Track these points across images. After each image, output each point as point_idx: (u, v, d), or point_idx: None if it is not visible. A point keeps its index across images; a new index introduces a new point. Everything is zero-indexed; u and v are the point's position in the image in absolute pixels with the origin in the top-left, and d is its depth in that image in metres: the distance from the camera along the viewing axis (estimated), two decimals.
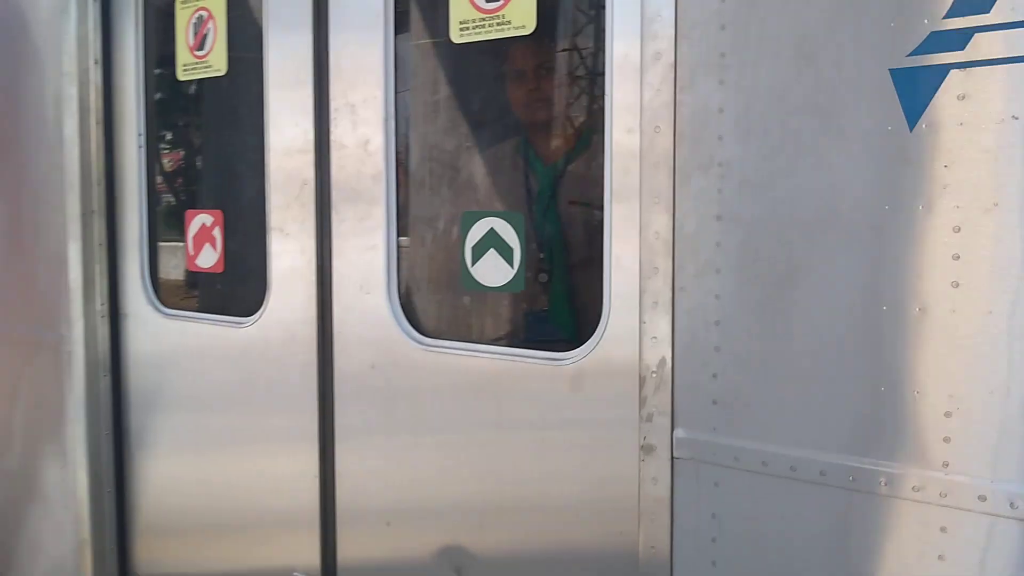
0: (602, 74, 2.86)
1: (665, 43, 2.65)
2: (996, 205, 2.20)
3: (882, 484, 2.40)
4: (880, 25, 2.32)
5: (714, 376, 2.63)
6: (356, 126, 3.45)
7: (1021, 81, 2.15)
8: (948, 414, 2.30)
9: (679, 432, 2.71)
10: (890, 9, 2.31)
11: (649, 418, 2.75)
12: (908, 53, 2.29)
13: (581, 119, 3.32)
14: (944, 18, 2.23)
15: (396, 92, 3.37)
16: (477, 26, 3.15)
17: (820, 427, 2.48)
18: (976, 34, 2.19)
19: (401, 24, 3.35)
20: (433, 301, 3.57)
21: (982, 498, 2.27)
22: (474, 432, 3.24)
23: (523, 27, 3.06)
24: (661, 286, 2.70)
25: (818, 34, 2.42)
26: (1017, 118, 2.16)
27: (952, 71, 2.23)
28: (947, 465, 2.31)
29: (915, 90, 2.28)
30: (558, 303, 3.21)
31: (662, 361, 2.71)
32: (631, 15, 2.73)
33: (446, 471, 3.32)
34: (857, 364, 2.42)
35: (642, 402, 2.76)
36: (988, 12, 2.18)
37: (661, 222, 2.68)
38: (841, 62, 2.39)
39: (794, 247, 2.48)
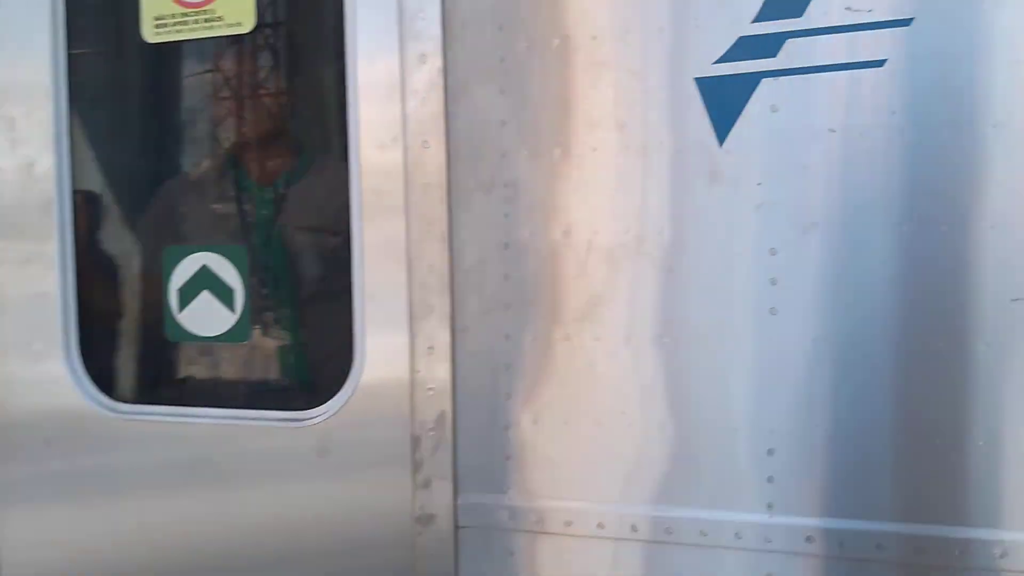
0: (341, 79, 2.43)
1: (431, 44, 2.28)
2: (814, 225, 2.05)
3: (700, 534, 2.17)
4: (683, 29, 2.10)
5: (506, 428, 2.28)
6: (15, 145, 2.76)
7: (838, 91, 2.01)
8: (771, 451, 2.11)
9: (464, 497, 2.33)
10: (693, 11, 2.09)
11: (426, 484, 2.35)
12: (714, 60, 2.08)
13: (311, 132, 2.85)
14: (753, 22, 2.05)
15: (72, 105, 2.72)
16: (179, 23, 2.61)
17: (631, 478, 2.21)
18: (788, 40, 2.03)
19: (77, 22, 2.71)
20: (130, 359, 2.93)
21: (810, 539, 2.11)
22: (192, 515, 2.66)
23: (239, 24, 2.57)
24: (437, 327, 2.31)
25: (613, 37, 2.16)
26: (834, 131, 2.02)
27: (763, 80, 2.05)
28: (771, 507, 2.13)
29: (724, 101, 2.08)
30: (295, 352, 2.72)
31: (441, 416, 2.33)
32: (384, 11, 2.33)
33: (157, 563, 2.70)
34: (667, 405, 2.18)
35: (417, 466, 2.36)
36: (801, 16, 2.02)
37: (435, 252, 2.30)
38: (640, 70, 2.14)
39: (594, 278, 2.20)
